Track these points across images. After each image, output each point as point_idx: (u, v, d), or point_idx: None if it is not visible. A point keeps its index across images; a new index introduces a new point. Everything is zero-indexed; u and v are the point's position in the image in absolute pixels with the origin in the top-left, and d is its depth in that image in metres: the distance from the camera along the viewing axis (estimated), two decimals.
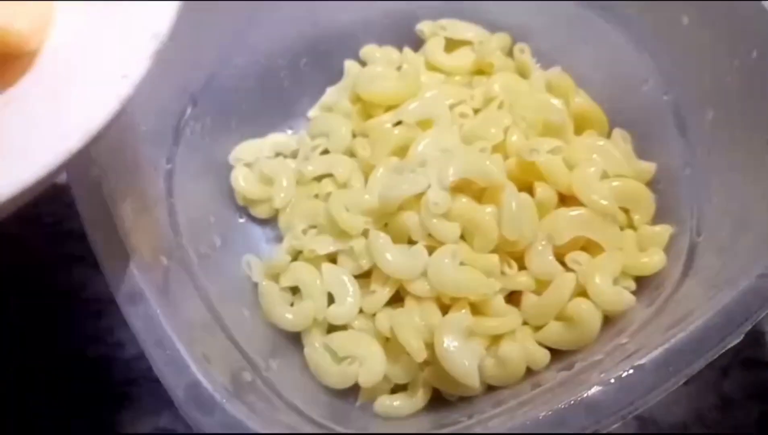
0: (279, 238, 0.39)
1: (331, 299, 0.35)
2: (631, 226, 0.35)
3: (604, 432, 0.24)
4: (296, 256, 0.37)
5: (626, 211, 0.35)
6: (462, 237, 0.34)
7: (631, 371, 0.24)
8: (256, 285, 0.37)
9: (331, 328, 0.35)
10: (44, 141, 0.23)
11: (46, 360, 0.40)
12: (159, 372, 0.26)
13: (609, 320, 0.33)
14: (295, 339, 0.35)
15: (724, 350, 0.25)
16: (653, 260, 0.34)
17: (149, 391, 0.39)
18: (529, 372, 0.33)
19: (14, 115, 0.25)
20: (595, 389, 0.24)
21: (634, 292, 0.33)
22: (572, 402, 0.24)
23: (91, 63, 0.26)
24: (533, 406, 0.27)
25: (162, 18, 0.25)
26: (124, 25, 0.26)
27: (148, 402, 0.39)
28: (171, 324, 0.27)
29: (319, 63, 0.43)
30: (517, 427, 0.24)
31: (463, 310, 0.33)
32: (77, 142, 0.23)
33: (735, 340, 0.25)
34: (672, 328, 0.26)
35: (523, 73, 0.41)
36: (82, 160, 0.27)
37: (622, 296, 0.33)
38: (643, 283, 0.34)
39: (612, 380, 0.24)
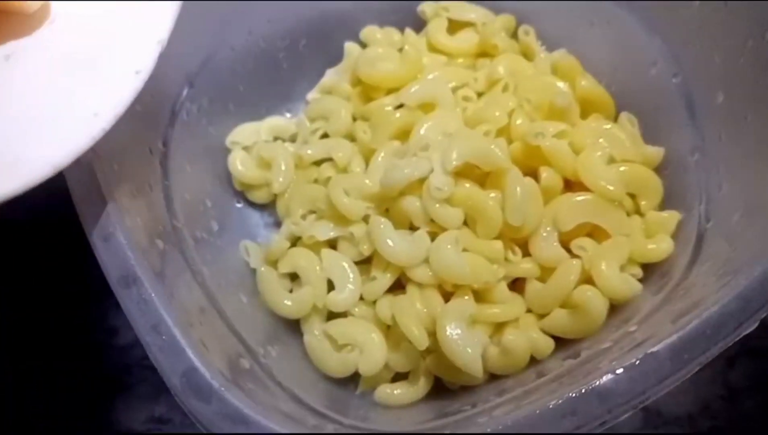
0: (277, 224, 0.38)
1: (330, 286, 0.34)
2: (638, 212, 0.35)
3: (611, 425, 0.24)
4: (295, 241, 0.36)
5: (633, 196, 0.35)
6: (465, 223, 0.33)
7: (644, 359, 0.24)
8: (254, 271, 0.36)
9: (331, 316, 0.34)
10: (77, 112, 0.25)
11: (40, 348, 0.40)
12: (154, 358, 0.25)
13: (615, 308, 0.32)
14: (294, 326, 0.35)
15: (739, 337, 0.24)
16: (661, 247, 0.33)
17: (144, 379, 0.38)
18: (534, 360, 0.32)
19: (19, 76, 0.27)
20: (607, 377, 0.24)
21: (641, 280, 0.33)
22: (583, 390, 0.23)
23: (103, 51, 0.27)
24: (539, 395, 0.27)
25: (164, 24, 0.27)
26: (129, 25, 0.27)
27: (143, 390, 0.38)
28: (167, 308, 0.26)
29: (319, 45, 0.42)
30: (526, 415, 0.24)
31: (466, 297, 0.32)
32: (108, 121, 0.25)
33: (750, 328, 0.24)
34: (682, 316, 0.26)
35: (527, 56, 0.40)
36: None
37: (629, 283, 0.32)
38: (650, 270, 0.33)
39: (625, 368, 0.24)
